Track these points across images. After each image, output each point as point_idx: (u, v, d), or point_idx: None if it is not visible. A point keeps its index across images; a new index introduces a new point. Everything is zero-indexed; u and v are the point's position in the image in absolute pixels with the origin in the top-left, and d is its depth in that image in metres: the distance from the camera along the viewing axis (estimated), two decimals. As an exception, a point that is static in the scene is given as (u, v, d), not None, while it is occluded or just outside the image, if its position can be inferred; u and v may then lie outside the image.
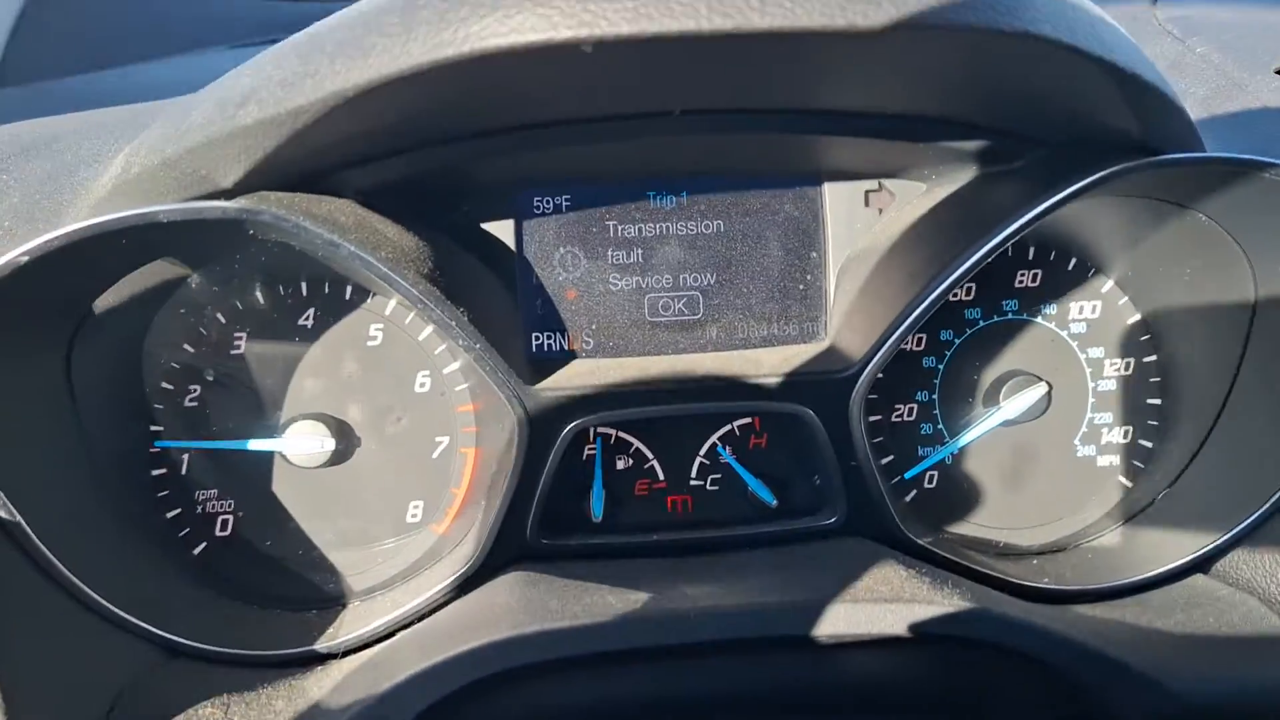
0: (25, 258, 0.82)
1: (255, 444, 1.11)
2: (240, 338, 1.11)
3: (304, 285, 1.12)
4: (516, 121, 0.94)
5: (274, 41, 1.97)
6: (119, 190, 0.92)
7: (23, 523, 0.91)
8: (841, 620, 0.93)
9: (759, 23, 0.63)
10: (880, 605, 0.94)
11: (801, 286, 1.15)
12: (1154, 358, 1.20)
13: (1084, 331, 1.20)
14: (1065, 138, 0.95)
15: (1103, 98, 0.82)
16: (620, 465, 1.17)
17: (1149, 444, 1.21)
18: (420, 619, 1.07)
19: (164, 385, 1.10)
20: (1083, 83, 0.79)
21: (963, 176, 1.07)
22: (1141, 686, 0.94)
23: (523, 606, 0.98)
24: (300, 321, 1.12)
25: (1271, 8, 1.37)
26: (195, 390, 1.11)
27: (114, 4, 1.84)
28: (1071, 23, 0.72)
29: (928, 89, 0.87)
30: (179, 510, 1.13)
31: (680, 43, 0.65)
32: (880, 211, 1.13)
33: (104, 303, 0.98)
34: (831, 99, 0.90)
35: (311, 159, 0.86)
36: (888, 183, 1.13)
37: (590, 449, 1.15)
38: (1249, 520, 1.08)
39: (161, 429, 1.11)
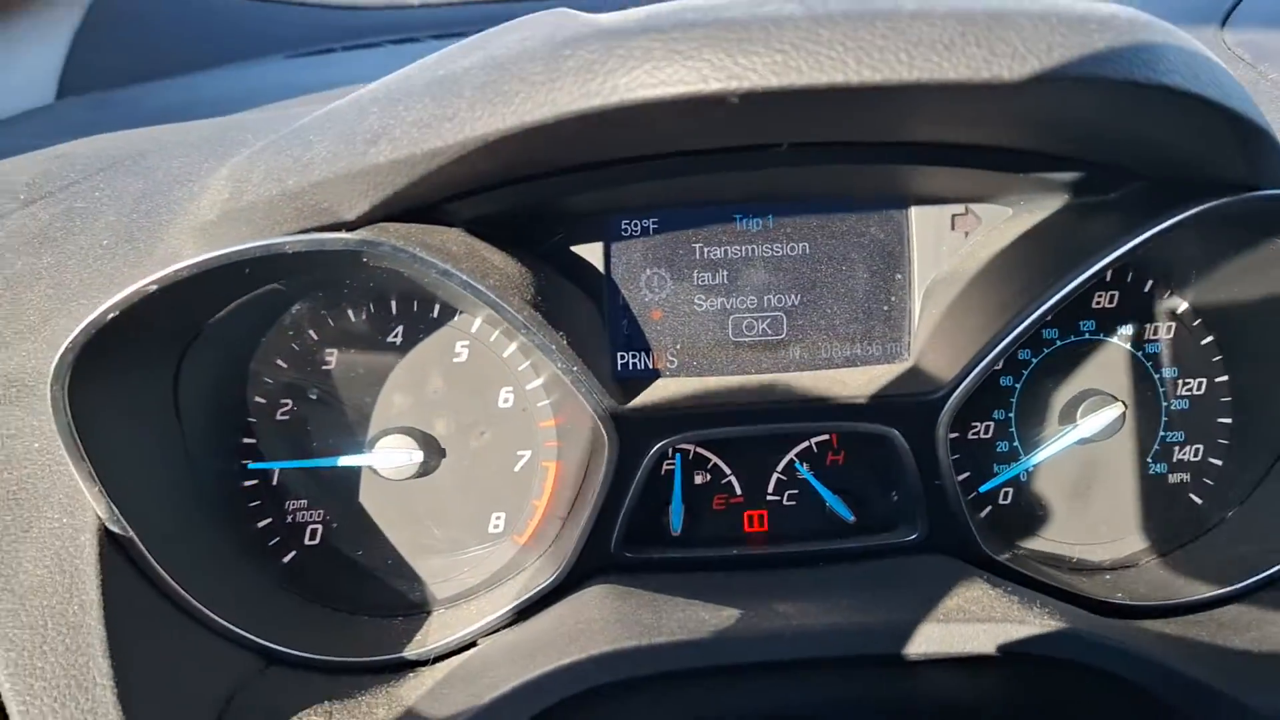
0: (154, 287, 0.84)
1: (345, 460, 1.13)
2: (332, 354, 1.13)
3: (393, 304, 1.13)
4: (618, 155, 0.95)
5: (328, 51, 1.98)
6: (230, 217, 0.93)
7: (135, 537, 0.93)
8: (934, 639, 0.95)
9: (907, 76, 0.65)
10: (971, 625, 0.96)
11: (886, 308, 1.16)
12: (1226, 378, 1.22)
13: (1158, 352, 1.21)
14: (1167, 173, 0.96)
15: (1216, 139, 0.84)
16: (698, 480, 1.19)
17: (1219, 462, 1.23)
18: (505, 627, 1.10)
19: (258, 400, 1.12)
20: (1200, 126, 0.80)
21: (1052, 204, 1.08)
22: (1223, 706, 0.96)
23: (617, 620, 1.00)
24: (389, 339, 1.14)
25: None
26: (288, 405, 1.13)
27: (169, 15, 1.87)
28: (1198, 72, 0.73)
29: (1041, 128, 0.88)
30: (270, 520, 1.15)
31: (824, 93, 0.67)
32: (966, 235, 1.15)
33: (212, 324, 1.00)
34: (937, 133, 0.92)
35: (430, 193, 0.87)
36: (974, 207, 1.14)
37: (669, 464, 1.17)
38: None
39: (255, 442, 1.13)
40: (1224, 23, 1.42)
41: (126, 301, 0.84)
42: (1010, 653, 0.96)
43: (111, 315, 0.84)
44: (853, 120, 0.85)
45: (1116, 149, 0.93)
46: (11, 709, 0.83)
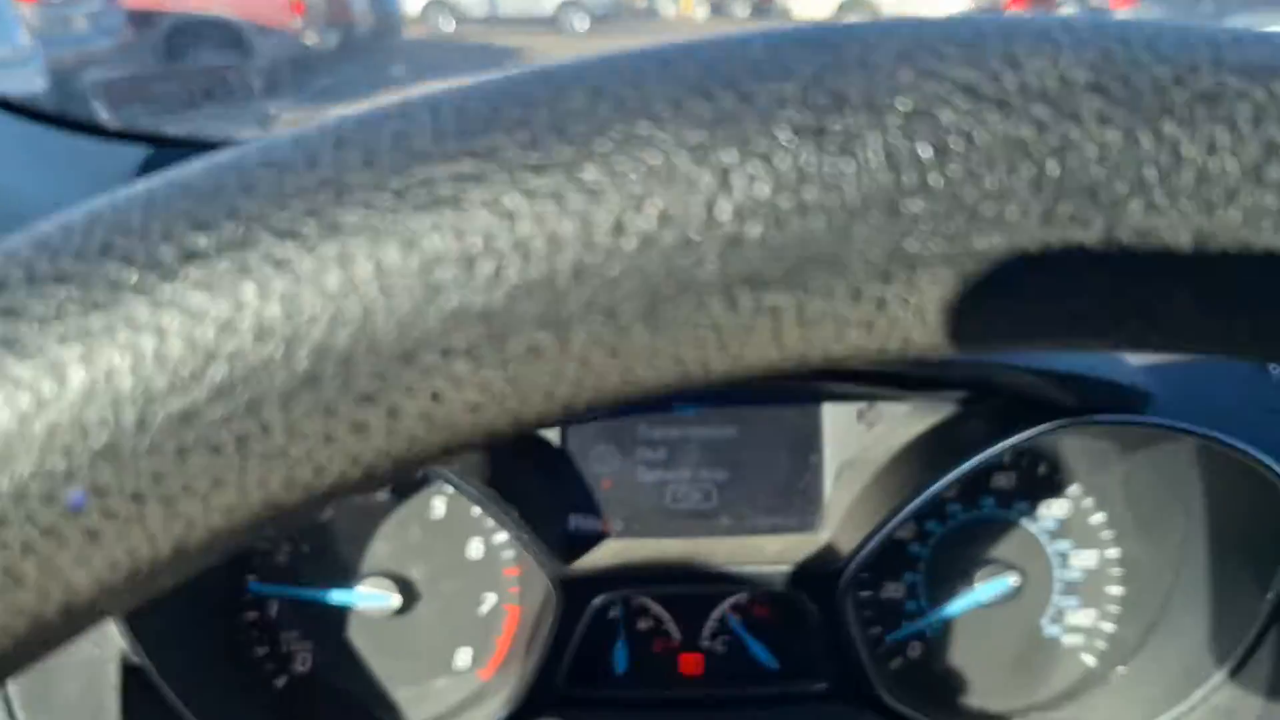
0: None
1: (335, 596, 1.32)
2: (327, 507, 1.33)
3: (382, 464, 1.33)
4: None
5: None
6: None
7: (151, 668, 1.12)
8: None
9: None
10: None
11: (801, 485, 1.34)
12: (1115, 553, 1.37)
13: (1053, 528, 1.37)
14: (1019, 394, 1.14)
15: (1045, 382, 1.02)
16: (641, 625, 1.36)
17: (1110, 627, 1.38)
18: (465, 754, 1.27)
19: (261, 546, 1.32)
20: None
21: (941, 408, 1.26)
22: None
23: None
24: (378, 496, 1.33)
25: None
26: (287, 549, 1.33)
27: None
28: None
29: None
30: (267, 649, 1.33)
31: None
32: (870, 427, 1.33)
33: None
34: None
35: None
36: (878, 404, 1.33)
37: (614, 613, 1.34)
38: (1190, 697, 1.24)
39: (257, 578, 1.33)
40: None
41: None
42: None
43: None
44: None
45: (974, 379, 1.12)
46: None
